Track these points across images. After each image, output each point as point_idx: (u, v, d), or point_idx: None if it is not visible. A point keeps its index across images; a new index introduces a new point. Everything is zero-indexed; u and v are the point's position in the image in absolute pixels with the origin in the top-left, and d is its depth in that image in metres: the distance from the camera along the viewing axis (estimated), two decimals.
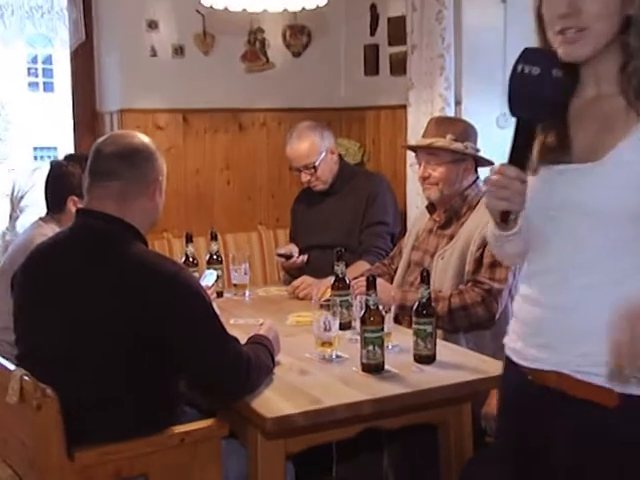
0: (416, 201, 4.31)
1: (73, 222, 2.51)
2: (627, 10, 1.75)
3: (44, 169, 4.17)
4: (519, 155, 1.77)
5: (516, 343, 1.96)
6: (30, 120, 14.36)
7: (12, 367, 2.37)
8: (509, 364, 2.00)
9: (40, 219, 3.48)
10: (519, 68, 1.74)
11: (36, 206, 5.19)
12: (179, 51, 4.85)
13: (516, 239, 1.91)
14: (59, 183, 3.42)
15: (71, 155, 3.66)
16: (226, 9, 3.67)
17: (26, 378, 2.26)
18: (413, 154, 3.73)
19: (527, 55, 1.76)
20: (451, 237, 3.34)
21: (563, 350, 1.82)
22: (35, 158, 17.30)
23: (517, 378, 1.96)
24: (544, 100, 1.74)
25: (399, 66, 4.70)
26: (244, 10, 3.72)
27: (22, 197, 5.65)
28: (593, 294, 1.78)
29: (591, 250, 1.79)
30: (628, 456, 1.76)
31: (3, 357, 2.50)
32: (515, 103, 1.78)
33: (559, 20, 1.76)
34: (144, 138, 2.56)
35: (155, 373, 2.31)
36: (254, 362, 2.44)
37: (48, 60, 17.78)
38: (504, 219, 1.80)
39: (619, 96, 1.80)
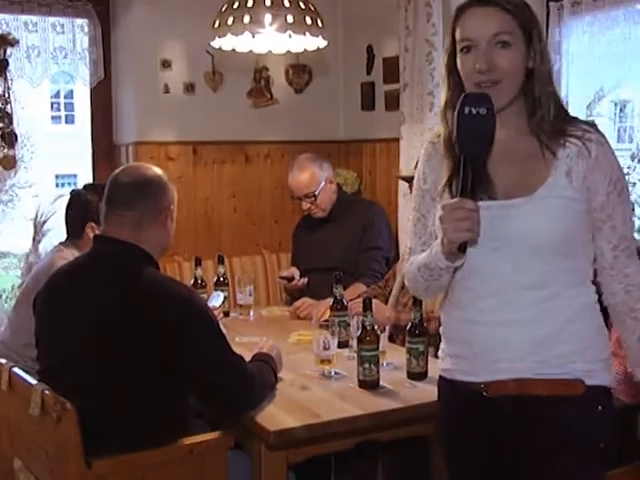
0: (408, 227, 4.28)
1: (91, 247, 2.51)
2: (528, 63, 1.92)
3: (65, 196, 4.17)
4: (471, 189, 1.79)
5: (462, 364, 2.02)
6: (52, 150, 14.40)
7: (34, 382, 2.35)
8: (452, 386, 2.07)
9: (60, 244, 3.47)
10: (466, 110, 1.78)
11: (57, 230, 5.17)
12: (190, 88, 4.86)
13: (451, 271, 1.94)
14: (78, 210, 3.42)
15: (90, 184, 3.66)
16: (234, 50, 3.67)
17: (47, 392, 2.25)
18: (406, 184, 3.73)
19: (471, 99, 1.80)
20: None
21: (521, 359, 1.91)
22: (57, 185, 17.33)
23: (464, 396, 2.03)
24: (491, 136, 1.79)
25: (393, 102, 4.71)
26: (250, 51, 3.72)
27: (45, 222, 5.62)
28: (539, 309, 1.90)
29: (533, 272, 1.90)
30: (594, 437, 1.92)
31: (26, 372, 2.49)
32: (466, 141, 1.80)
33: (477, 75, 1.88)
34: (157, 170, 2.55)
35: (167, 389, 2.29)
36: (258, 379, 2.43)
37: (69, 95, 17.86)
38: (462, 249, 1.81)
39: (531, 137, 1.94)
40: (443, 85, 2.02)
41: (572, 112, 4.19)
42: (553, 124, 1.92)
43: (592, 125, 1.96)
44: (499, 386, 1.94)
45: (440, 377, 2.13)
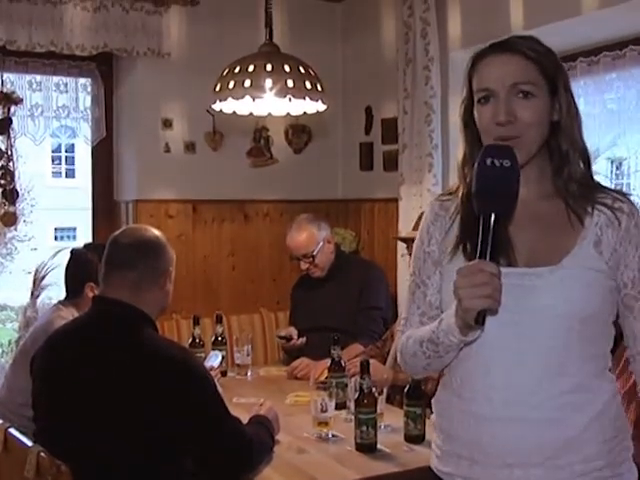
0: (406, 287, 4.30)
1: (90, 308, 2.52)
2: (553, 116, 1.75)
3: (65, 250, 4.19)
4: (492, 251, 1.57)
5: (466, 469, 1.75)
6: (52, 203, 14.46)
7: (30, 443, 2.35)
8: None
9: (59, 303, 3.48)
10: (488, 161, 1.59)
11: (56, 285, 5.17)
12: (190, 147, 4.91)
13: (461, 346, 1.70)
14: (78, 270, 3.43)
15: (90, 244, 3.69)
16: (234, 113, 3.73)
17: (42, 455, 2.25)
18: (404, 244, 3.75)
19: (494, 150, 1.63)
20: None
21: (539, 464, 1.67)
22: (56, 238, 17.38)
23: None
24: (516, 192, 1.60)
25: (391, 163, 4.75)
26: (251, 114, 3.78)
27: (44, 277, 5.63)
28: (559, 404, 1.67)
29: (552, 355, 1.68)
30: None
31: (22, 432, 2.48)
32: (488, 196, 1.59)
33: (496, 127, 1.71)
34: (157, 232, 2.57)
35: (164, 452, 2.28)
36: (256, 443, 2.43)
37: (71, 148, 17.99)
38: (481, 320, 1.56)
39: (556, 198, 1.76)
40: (460, 139, 1.85)
41: None
42: (581, 186, 1.75)
43: (623, 194, 1.77)
44: None
45: (434, 476, 1.85)
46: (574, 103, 1.77)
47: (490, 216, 1.58)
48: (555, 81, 1.74)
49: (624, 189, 5.96)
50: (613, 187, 1.82)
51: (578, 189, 1.75)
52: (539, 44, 1.77)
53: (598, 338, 1.73)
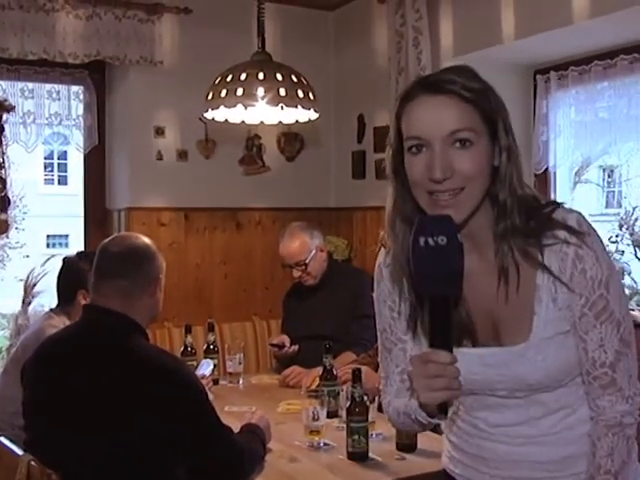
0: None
1: (80, 317, 2.51)
2: (494, 161, 1.57)
3: (56, 257, 4.18)
4: (444, 336, 1.44)
5: (475, 476, 1.77)
6: (44, 210, 14.44)
7: (20, 452, 2.34)
8: None
9: (51, 310, 3.47)
10: (422, 241, 1.41)
11: (47, 293, 5.17)
12: (183, 155, 4.91)
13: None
14: (70, 278, 3.42)
15: (82, 252, 3.67)
16: (226, 121, 3.73)
17: (33, 463, 2.23)
18: None
19: (427, 225, 1.43)
20: None
21: (542, 477, 1.70)
22: (48, 245, 17.33)
23: None
24: (459, 270, 1.43)
25: (384, 171, 4.70)
26: (243, 122, 3.78)
27: (35, 284, 5.62)
28: (558, 429, 1.68)
29: (544, 403, 1.67)
30: None
31: (13, 441, 2.47)
32: (427, 281, 1.43)
33: (430, 183, 1.52)
34: (146, 240, 2.57)
35: (155, 462, 2.27)
36: (247, 452, 2.42)
37: (63, 155, 17.96)
38: (442, 410, 1.49)
39: (505, 255, 1.60)
40: (390, 186, 1.64)
41: (560, 179, 4.22)
42: (526, 237, 1.58)
43: (574, 230, 1.57)
44: None
45: (446, 474, 1.88)
46: (514, 145, 1.59)
47: (436, 300, 1.45)
48: (495, 123, 1.56)
49: (616, 197, 5.98)
50: (561, 214, 1.60)
51: (519, 245, 1.59)
52: (475, 79, 1.56)
53: (576, 379, 1.67)
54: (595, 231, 1.61)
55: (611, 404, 1.62)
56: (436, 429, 2.25)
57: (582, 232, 1.58)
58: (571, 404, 1.68)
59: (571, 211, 1.62)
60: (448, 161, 1.51)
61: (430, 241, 1.40)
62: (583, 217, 1.61)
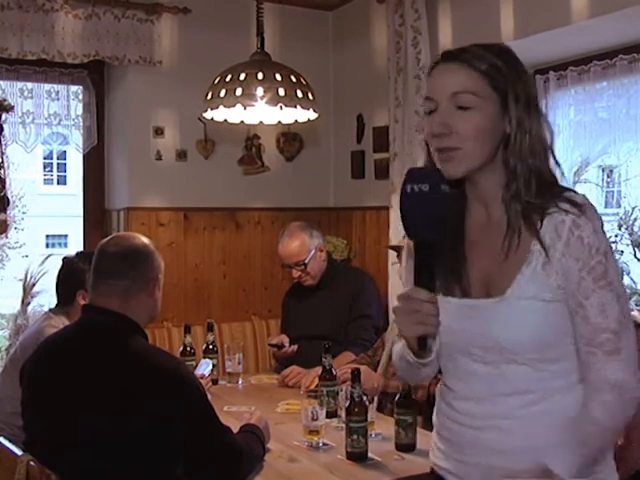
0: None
1: (79, 317, 2.51)
2: (505, 127, 1.69)
3: (55, 257, 4.17)
4: (424, 277, 1.61)
5: (453, 465, 1.83)
6: (44, 210, 14.45)
7: (19, 452, 2.33)
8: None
9: (50, 310, 3.47)
10: (408, 188, 1.60)
11: (47, 292, 5.17)
12: (182, 155, 4.91)
13: (432, 363, 1.79)
14: (70, 278, 3.42)
15: (81, 252, 3.67)
16: (225, 121, 3.73)
17: (32, 463, 2.23)
18: (395, 253, 3.75)
19: (414, 174, 1.64)
20: None
21: (503, 467, 1.72)
22: (47, 245, 17.33)
23: None
24: (439, 216, 1.59)
25: (383, 171, 4.75)
26: (242, 122, 3.78)
27: (34, 284, 5.62)
28: (522, 414, 1.71)
29: (513, 379, 1.71)
30: None
31: (11, 441, 2.47)
32: (410, 224, 1.62)
33: (433, 139, 1.69)
34: (145, 239, 2.57)
35: (154, 462, 2.27)
36: (246, 452, 2.42)
37: (62, 155, 17.96)
38: (421, 345, 1.65)
39: (506, 224, 1.71)
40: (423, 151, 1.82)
41: (559, 179, 4.23)
42: (528, 204, 1.68)
43: (575, 203, 1.66)
44: None
45: (433, 471, 1.95)
46: (528, 117, 1.69)
47: (420, 242, 1.62)
48: (505, 93, 1.67)
49: (615, 197, 5.98)
50: (568, 193, 1.70)
51: (524, 207, 1.68)
52: (499, 55, 1.71)
53: (560, 358, 1.70)
54: (598, 214, 1.67)
55: (615, 369, 1.63)
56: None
57: (582, 205, 1.65)
58: (540, 391, 1.70)
59: (579, 194, 1.69)
60: (446, 119, 1.66)
61: (415, 187, 1.59)
62: (589, 201, 1.68)
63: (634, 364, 1.65)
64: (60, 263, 3.55)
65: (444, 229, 1.62)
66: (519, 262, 1.68)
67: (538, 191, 1.69)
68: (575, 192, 1.71)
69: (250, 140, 5.11)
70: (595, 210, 1.67)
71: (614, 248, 4.46)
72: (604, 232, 1.68)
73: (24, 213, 4.88)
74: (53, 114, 4.77)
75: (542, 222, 1.66)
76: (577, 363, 1.70)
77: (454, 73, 1.69)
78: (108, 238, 2.59)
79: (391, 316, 4.22)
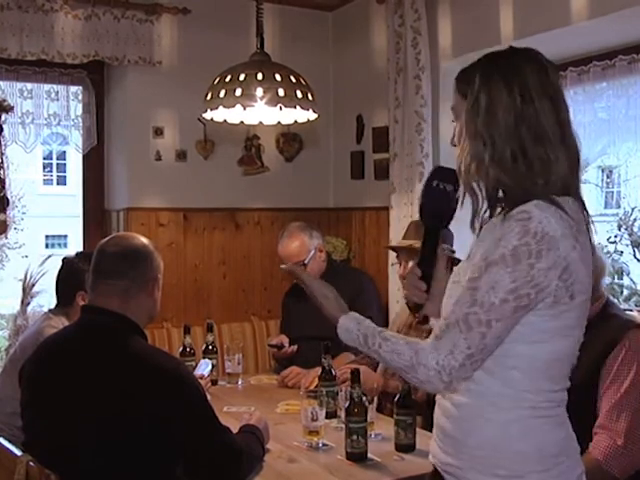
0: (397, 296, 4.32)
1: (79, 317, 2.51)
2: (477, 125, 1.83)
3: (54, 256, 4.17)
4: (425, 257, 1.89)
5: (433, 447, 1.91)
6: (43, 211, 14.46)
7: (19, 452, 2.34)
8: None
9: (50, 311, 3.46)
10: (434, 184, 1.84)
11: (46, 293, 5.18)
12: (182, 156, 4.91)
13: None
14: (69, 279, 3.42)
15: (81, 253, 3.66)
16: (225, 121, 3.73)
17: (32, 464, 2.23)
18: (395, 253, 3.76)
19: (441, 173, 1.86)
20: (429, 332, 3.34)
21: (460, 456, 1.78)
22: (47, 246, 17.32)
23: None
24: (451, 213, 1.84)
25: (382, 171, 4.76)
26: (241, 122, 3.78)
27: (34, 285, 5.63)
28: (465, 400, 1.77)
29: None
30: None
31: (11, 442, 2.47)
32: (428, 213, 1.88)
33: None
34: (144, 239, 2.56)
35: (154, 463, 2.27)
36: (246, 452, 2.43)
37: (62, 156, 17.95)
38: (415, 310, 1.94)
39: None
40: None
41: None
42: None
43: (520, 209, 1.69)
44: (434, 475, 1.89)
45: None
46: (488, 97, 1.77)
47: (430, 229, 1.89)
48: (464, 94, 1.82)
49: (615, 198, 5.97)
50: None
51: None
52: (466, 69, 1.90)
53: (507, 357, 1.71)
54: (523, 227, 1.64)
55: (428, 347, 1.73)
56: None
57: (515, 215, 1.66)
58: (485, 392, 1.74)
59: (538, 204, 1.67)
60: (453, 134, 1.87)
61: (441, 185, 1.83)
62: (539, 209, 1.65)
63: (445, 354, 1.69)
64: (60, 263, 3.55)
65: (448, 222, 1.87)
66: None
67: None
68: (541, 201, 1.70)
69: (250, 140, 5.11)
70: (532, 220, 1.64)
71: (614, 249, 4.47)
72: (518, 245, 1.64)
73: (24, 213, 4.89)
74: (53, 114, 4.77)
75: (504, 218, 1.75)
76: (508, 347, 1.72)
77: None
78: (107, 238, 2.58)
79: (390, 316, 4.23)
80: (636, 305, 4.33)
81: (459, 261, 1.90)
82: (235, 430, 2.53)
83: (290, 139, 5.23)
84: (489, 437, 1.74)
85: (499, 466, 1.73)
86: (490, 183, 1.75)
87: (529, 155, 1.71)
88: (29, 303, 5.71)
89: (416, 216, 4.20)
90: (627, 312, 2.90)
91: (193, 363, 3.61)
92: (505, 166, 1.72)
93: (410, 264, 2.11)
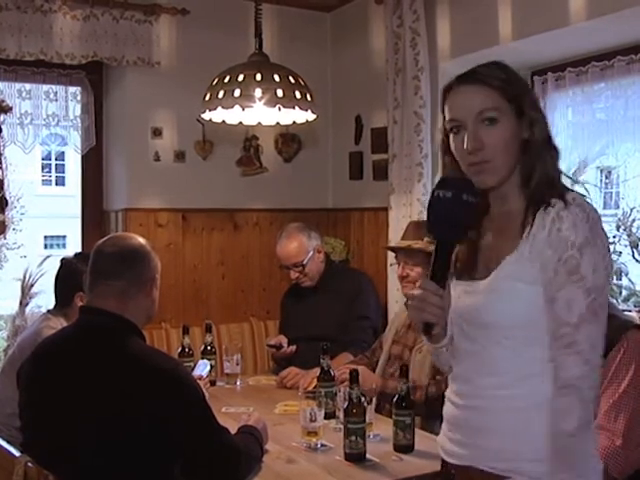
0: (396, 296, 4.32)
1: (77, 318, 2.51)
2: (523, 135, 1.85)
3: (53, 257, 4.16)
4: (437, 272, 1.79)
5: (442, 440, 1.99)
6: (42, 211, 14.45)
7: (17, 453, 2.33)
8: (442, 461, 2.02)
9: (48, 312, 3.47)
10: (435, 193, 1.80)
11: (45, 293, 5.18)
12: (180, 156, 4.90)
13: (447, 352, 1.93)
14: (68, 279, 3.42)
15: (80, 253, 3.67)
16: (224, 122, 3.73)
17: (30, 465, 2.23)
18: (393, 254, 3.75)
19: (442, 182, 1.83)
20: None
21: (476, 446, 1.86)
22: (45, 246, 17.31)
23: (446, 475, 1.98)
24: (456, 221, 1.77)
25: (381, 172, 4.75)
26: (240, 123, 3.78)
27: (32, 285, 5.63)
28: (497, 395, 1.83)
29: (491, 358, 1.85)
30: None
31: (9, 442, 2.47)
32: (432, 224, 1.82)
33: (468, 156, 1.83)
34: (141, 239, 2.56)
35: (152, 463, 2.27)
36: (244, 453, 2.43)
37: (61, 156, 17.94)
38: (426, 331, 1.81)
39: (520, 212, 1.85)
40: (439, 165, 2.01)
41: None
42: (533, 198, 1.83)
43: (562, 196, 1.79)
44: (464, 472, 1.90)
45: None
46: (541, 116, 1.88)
47: (440, 241, 1.80)
48: (520, 102, 1.84)
49: (614, 198, 5.99)
50: (566, 191, 1.83)
51: (539, 195, 1.82)
52: (503, 70, 1.88)
53: (539, 340, 1.79)
54: (588, 210, 1.77)
55: (570, 364, 1.73)
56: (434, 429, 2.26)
57: (569, 200, 1.78)
58: (513, 374, 1.81)
59: (575, 192, 1.84)
60: (478, 135, 1.81)
61: (440, 194, 1.78)
62: (583, 198, 1.81)
63: (591, 359, 1.74)
64: (58, 264, 3.55)
65: (461, 233, 1.81)
66: (511, 249, 1.82)
67: (546, 189, 1.83)
68: (573, 191, 1.84)
69: (248, 141, 5.11)
70: (585, 207, 1.77)
71: (612, 250, 4.46)
72: (589, 225, 1.75)
73: (22, 214, 4.89)
74: (51, 115, 4.77)
75: (535, 215, 1.80)
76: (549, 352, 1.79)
77: (476, 94, 1.84)
78: (105, 239, 2.58)
79: (389, 317, 4.22)
80: (635, 306, 4.33)
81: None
82: (234, 431, 2.53)
83: (289, 140, 5.23)
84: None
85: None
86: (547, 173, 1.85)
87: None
88: (28, 304, 5.72)
89: (415, 216, 4.21)
90: (625, 313, 2.90)
91: (192, 364, 3.61)
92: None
93: (418, 282, 1.87)
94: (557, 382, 1.75)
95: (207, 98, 3.52)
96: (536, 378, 1.80)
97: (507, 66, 1.90)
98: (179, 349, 3.72)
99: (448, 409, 1.98)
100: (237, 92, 3.39)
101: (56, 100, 4.80)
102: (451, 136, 1.89)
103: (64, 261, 3.53)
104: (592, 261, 1.73)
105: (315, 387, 3.23)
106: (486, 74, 1.85)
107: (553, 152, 1.88)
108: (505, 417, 1.82)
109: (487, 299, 1.82)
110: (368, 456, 2.67)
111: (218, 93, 3.45)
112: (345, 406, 2.71)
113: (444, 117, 1.91)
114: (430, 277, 1.79)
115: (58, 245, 17.77)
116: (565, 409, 1.73)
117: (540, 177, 1.84)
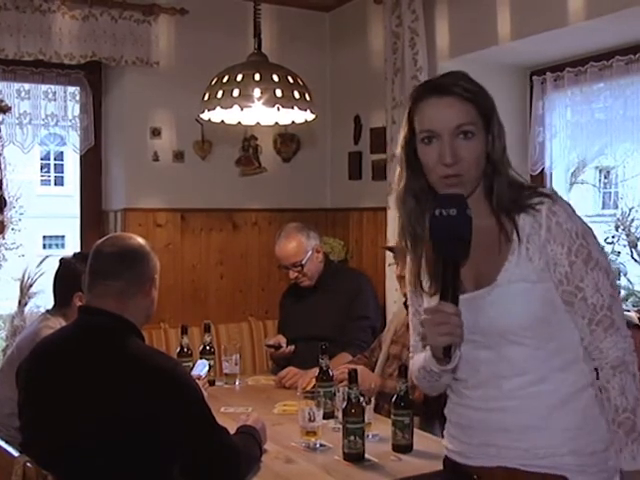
0: (394, 296, 4.32)
1: (76, 318, 2.50)
2: (488, 148, 1.87)
3: (52, 257, 4.15)
4: (451, 291, 1.75)
5: (459, 446, 1.98)
6: (41, 211, 14.44)
7: (16, 454, 2.33)
8: (452, 466, 2.01)
9: (47, 312, 3.46)
10: (437, 212, 1.76)
11: (44, 293, 5.16)
12: (179, 156, 4.90)
13: (450, 371, 1.91)
14: (67, 279, 3.42)
15: (79, 253, 3.66)
16: (222, 122, 3.73)
17: (29, 465, 2.23)
18: (392, 254, 3.75)
19: (442, 200, 1.79)
20: None
21: (507, 447, 1.86)
22: (44, 246, 17.31)
23: (462, 478, 1.97)
24: (463, 237, 1.75)
25: (380, 172, 4.75)
26: (239, 123, 3.78)
27: (31, 285, 5.62)
28: (522, 395, 1.85)
29: (514, 360, 1.85)
30: None
31: (8, 443, 2.46)
32: (439, 244, 1.79)
33: (442, 168, 1.82)
34: (140, 239, 2.56)
35: (151, 463, 2.27)
36: (243, 453, 2.42)
37: (60, 156, 17.94)
38: (447, 354, 1.77)
39: (491, 217, 1.88)
40: (401, 170, 1.94)
41: (556, 180, 4.28)
42: (509, 199, 1.86)
43: (546, 194, 1.86)
44: (490, 474, 1.89)
45: (445, 455, 2.07)
46: (503, 129, 1.89)
47: (450, 260, 1.77)
48: (489, 118, 1.86)
49: (612, 198, 5.98)
50: (537, 189, 1.90)
51: (507, 203, 1.86)
52: (471, 82, 1.88)
53: (556, 335, 1.85)
54: (566, 201, 1.88)
55: (614, 344, 1.83)
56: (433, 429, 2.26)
57: (552, 195, 1.86)
58: (538, 371, 1.85)
59: (546, 187, 1.98)
60: (455, 149, 1.81)
61: (443, 212, 1.75)
62: (556, 192, 1.90)
63: (627, 333, 1.86)
64: (57, 264, 3.55)
65: (467, 247, 1.78)
66: (505, 253, 1.85)
67: (514, 193, 1.88)
68: (542, 187, 1.96)
69: (247, 141, 5.11)
70: (562, 198, 1.88)
71: (611, 250, 4.47)
72: (577, 215, 1.86)
73: (21, 214, 4.87)
74: (50, 115, 4.77)
75: (520, 216, 1.85)
76: (570, 340, 1.86)
77: (455, 106, 1.83)
78: (104, 239, 2.58)
79: (388, 317, 4.23)
80: (634, 305, 4.33)
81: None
82: (232, 431, 2.53)
83: (287, 140, 5.23)
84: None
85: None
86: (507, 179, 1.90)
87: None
88: (26, 304, 5.70)
89: None
90: (624, 312, 2.89)
91: (190, 364, 3.60)
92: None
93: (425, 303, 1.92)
94: (607, 364, 1.82)
95: (206, 98, 3.52)
96: (560, 371, 1.85)
97: (472, 78, 1.90)
98: (178, 349, 3.72)
99: (465, 413, 1.96)
100: (236, 92, 3.39)
101: (55, 100, 4.80)
102: (421, 145, 1.86)
103: (63, 261, 3.53)
104: (595, 243, 1.85)
105: (314, 387, 3.23)
106: (460, 86, 1.85)
107: (507, 160, 1.90)
108: (536, 414, 1.84)
109: (498, 306, 1.83)
110: (367, 456, 2.67)
111: (217, 93, 3.45)
112: (344, 406, 2.70)
113: (409, 127, 1.89)
114: (443, 298, 1.76)
115: (57, 245, 17.76)
116: (622, 387, 1.81)
117: (503, 187, 1.87)
